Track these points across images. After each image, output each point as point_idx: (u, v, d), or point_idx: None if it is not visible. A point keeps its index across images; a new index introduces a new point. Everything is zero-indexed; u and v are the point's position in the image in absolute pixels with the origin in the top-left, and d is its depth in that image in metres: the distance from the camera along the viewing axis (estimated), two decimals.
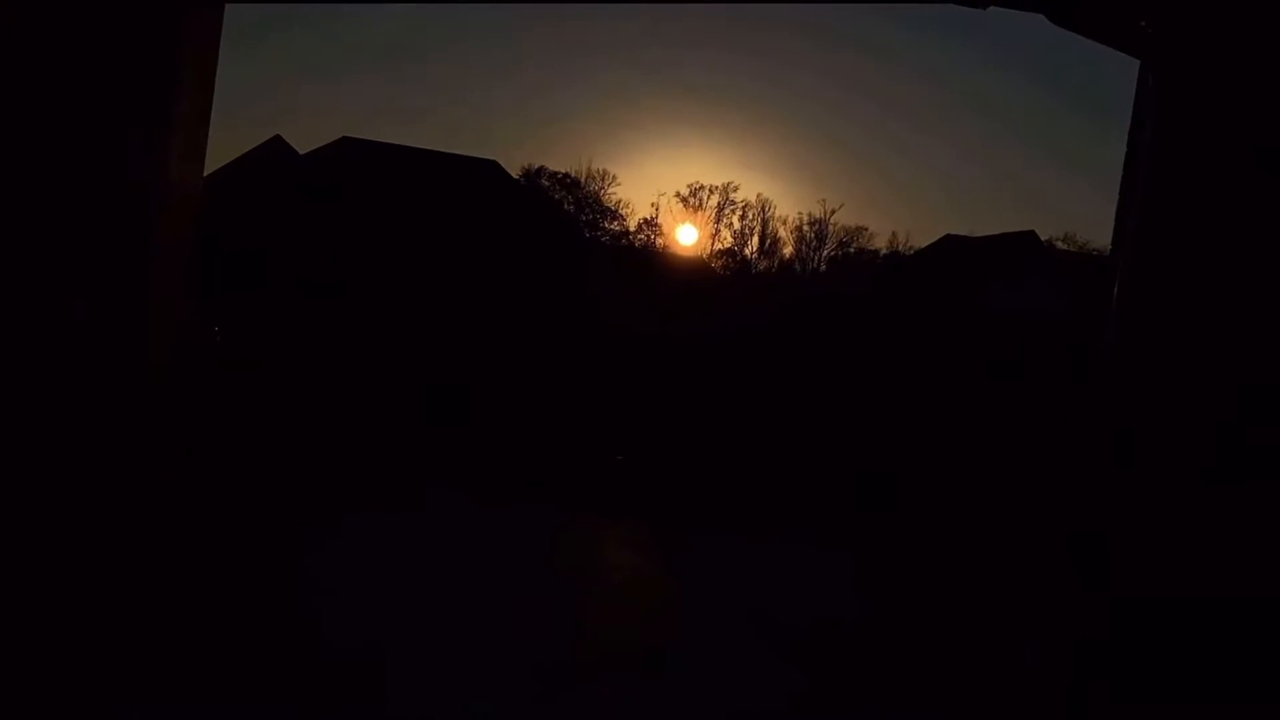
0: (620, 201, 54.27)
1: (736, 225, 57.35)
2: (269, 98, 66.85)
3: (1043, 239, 44.54)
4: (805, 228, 55.93)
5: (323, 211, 32.43)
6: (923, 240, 50.36)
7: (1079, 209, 74.49)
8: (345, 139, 38.70)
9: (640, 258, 47.74)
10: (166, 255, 2.94)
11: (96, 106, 2.69)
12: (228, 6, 3.38)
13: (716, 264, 54.66)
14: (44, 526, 2.66)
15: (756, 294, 39.69)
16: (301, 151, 38.88)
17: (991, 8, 5.68)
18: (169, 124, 2.86)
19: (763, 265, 56.14)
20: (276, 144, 38.81)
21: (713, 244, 57.06)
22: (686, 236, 56.96)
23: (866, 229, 55.52)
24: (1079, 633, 4.19)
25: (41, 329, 2.68)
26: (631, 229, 54.15)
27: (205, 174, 3.51)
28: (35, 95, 2.60)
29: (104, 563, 2.76)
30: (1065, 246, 46.33)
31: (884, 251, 52.84)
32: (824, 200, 67.46)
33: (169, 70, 2.84)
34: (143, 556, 2.89)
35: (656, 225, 55.51)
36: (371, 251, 30.61)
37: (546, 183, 50.55)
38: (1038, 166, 78.10)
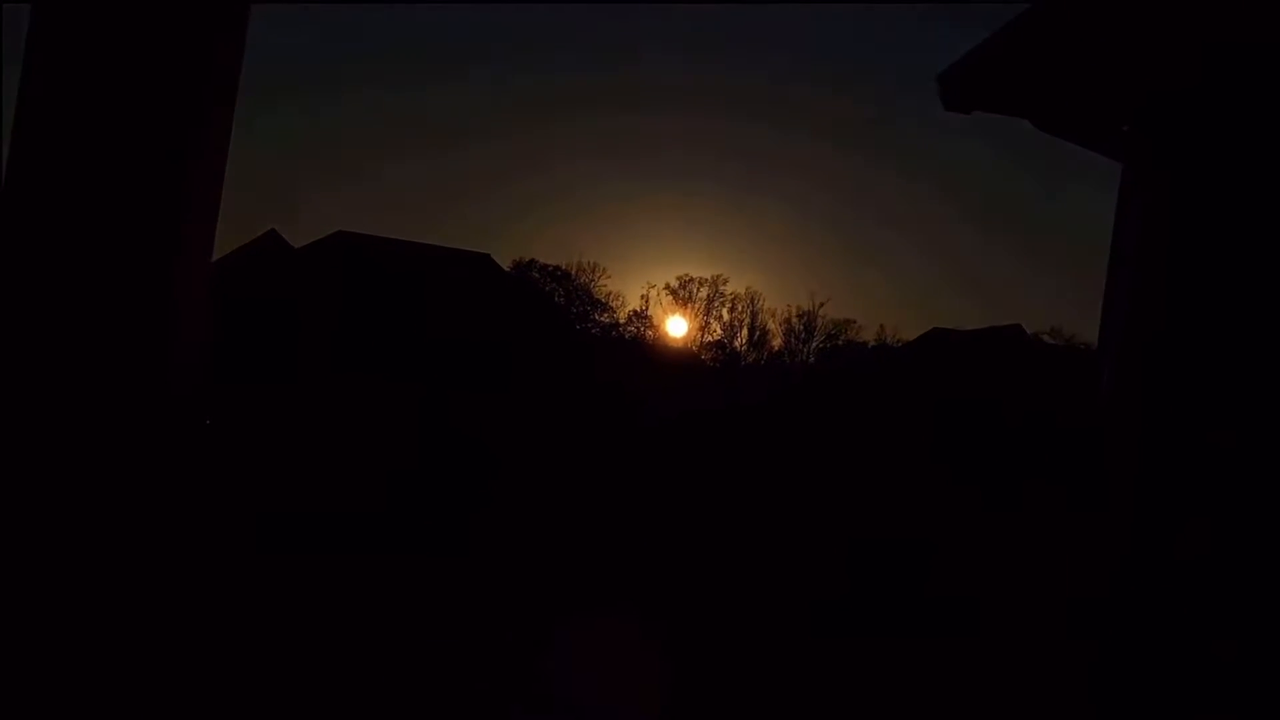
0: (611, 294, 54.76)
1: (726, 317, 57.81)
2: (264, 192, 67.60)
3: (1029, 332, 44.92)
4: (794, 320, 56.41)
5: (317, 304, 32.64)
6: (910, 333, 50.72)
7: (1066, 302, 75.16)
8: (340, 233, 39.06)
9: (631, 349, 48.02)
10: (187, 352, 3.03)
11: (133, 171, 2.82)
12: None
13: (706, 356, 54.95)
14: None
15: (746, 384, 39.87)
16: (296, 246, 39.22)
17: (976, 112, 5.92)
18: (186, 211, 2.97)
19: (752, 357, 56.47)
20: (271, 238, 39.15)
21: (702, 336, 57.45)
22: (676, 328, 57.36)
23: (855, 321, 55.93)
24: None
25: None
26: (622, 320, 54.58)
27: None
28: (66, 184, 2.74)
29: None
30: (1052, 340, 46.71)
31: (871, 344, 53.23)
32: (813, 293, 68.10)
33: (185, 158, 2.97)
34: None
35: (647, 317, 55.96)
36: (364, 343, 30.77)
37: (538, 275, 51.01)
38: (1024, 260, 79.03)
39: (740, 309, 57.62)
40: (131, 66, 2.93)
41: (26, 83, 2.90)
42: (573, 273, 52.97)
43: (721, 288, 57.40)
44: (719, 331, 57.70)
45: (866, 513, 16.52)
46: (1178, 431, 4.21)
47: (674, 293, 57.11)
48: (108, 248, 2.88)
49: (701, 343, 56.82)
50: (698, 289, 57.29)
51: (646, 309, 56.31)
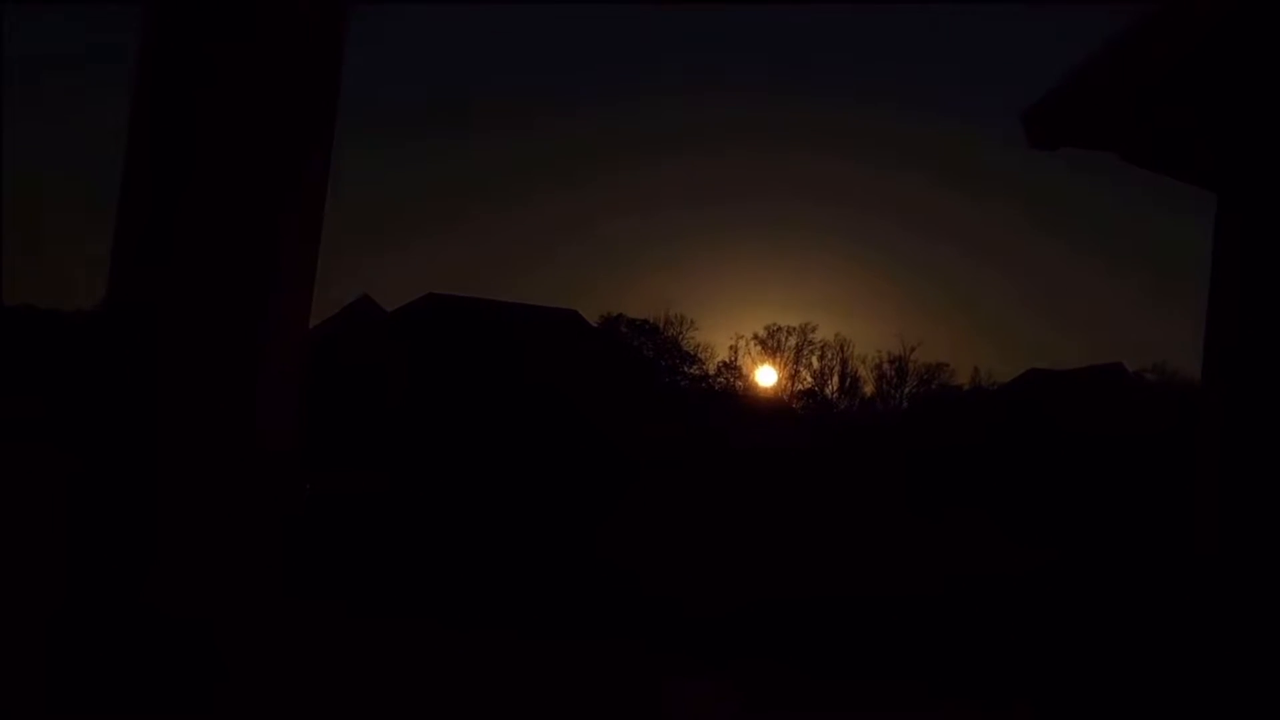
0: (699, 345, 54.78)
1: (816, 365, 57.43)
2: (356, 255, 69.11)
3: (1130, 370, 43.88)
4: (885, 365, 55.79)
5: (410, 366, 33.21)
6: (1006, 375, 49.81)
7: (1169, 339, 73.25)
8: (431, 295, 39.78)
9: (721, 400, 47.89)
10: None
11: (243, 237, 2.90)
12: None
13: (797, 404, 54.58)
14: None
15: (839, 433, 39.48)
16: (388, 309, 40.05)
17: (1064, 148, 5.83)
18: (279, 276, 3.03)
19: (844, 405, 55.93)
20: (364, 302, 40.04)
21: (792, 385, 57.11)
22: (766, 378, 57.12)
23: (948, 365, 55.11)
24: None
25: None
26: (711, 372, 54.53)
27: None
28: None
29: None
30: (1154, 378, 45.55)
31: (966, 387, 52.39)
32: (902, 337, 67.43)
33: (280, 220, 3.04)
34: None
35: (736, 368, 55.85)
36: (458, 404, 31.17)
37: (625, 330, 51.29)
38: (1125, 296, 77.34)
39: (830, 356, 57.24)
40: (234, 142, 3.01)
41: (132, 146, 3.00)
42: (660, 325, 53.16)
43: (810, 335, 57.13)
44: (809, 380, 57.34)
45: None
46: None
47: (762, 342, 57.00)
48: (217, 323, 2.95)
49: (792, 391, 56.50)
50: (786, 338, 57.10)
51: (735, 359, 56.24)
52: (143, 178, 2.98)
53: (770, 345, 57.05)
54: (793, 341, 57.11)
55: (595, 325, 46.15)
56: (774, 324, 57.31)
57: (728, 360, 55.71)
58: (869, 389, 56.59)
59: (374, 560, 14.55)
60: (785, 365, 57.40)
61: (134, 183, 3.00)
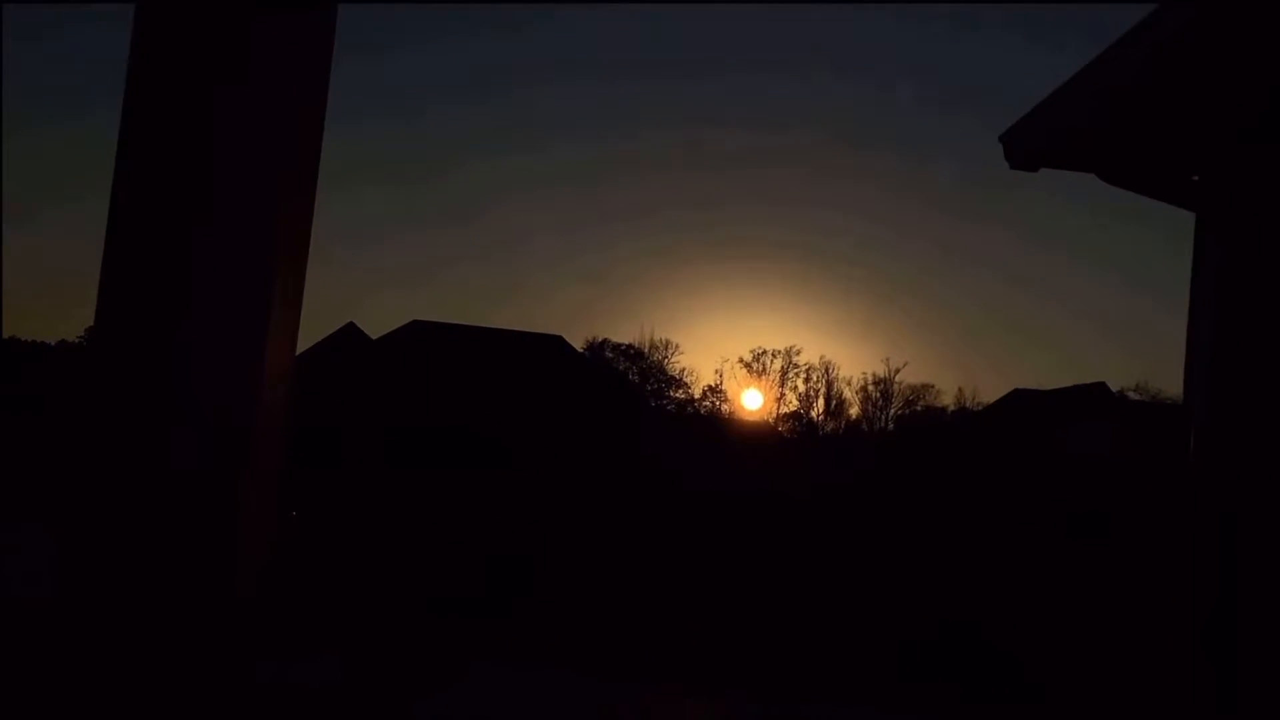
0: (684, 369, 54.87)
1: (801, 388, 57.54)
2: (340, 286, 69.06)
3: (1114, 389, 44.06)
4: (870, 388, 55.95)
5: (395, 394, 33.14)
6: (990, 396, 49.99)
7: (1152, 355, 73.72)
8: (415, 323, 39.75)
9: (707, 425, 47.92)
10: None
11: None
12: None
13: (783, 427, 54.64)
14: None
15: (825, 456, 39.49)
16: (373, 336, 39.98)
17: (1043, 169, 5.88)
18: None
19: (830, 427, 56.01)
20: (349, 331, 39.97)
21: (778, 408, 57.17)
22: (752, 401, 57.17)
23: (933, 386, 55.32)
24: None
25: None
26: (696, 396, 54.57)
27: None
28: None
29: None
30: (1138, 396, 45.78)
31: (951, 408, 52.55)
32: (888, 359, 67.52)
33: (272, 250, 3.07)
34: None
35: (721, 392, 55.91)
36: (443, 430, 31.09)
37: (610, 355, 51.33)
38: (1106, 315, 77.83)
39: (815, 379, 57.36)
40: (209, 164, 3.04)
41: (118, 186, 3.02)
42: (645, 350, 53.22)
43: (795, 358, 57.26)
44: (795, 403, 57.43)
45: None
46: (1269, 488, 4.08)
47: (747, 366, 57.08)
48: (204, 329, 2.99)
49: (777, 414, 56.57)
50: (771, 361, 57.21)
51: (720, 383, 56.30)
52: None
53: (755, 368, 57.19)
54: (778, 364, 57.27)
55: (580, 350, 46.17)
56: (759, 347, 57.47)
57: (713, 384, 55.79)
58: (854, 411, 56.73)
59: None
60: (771, 388, 57.53)
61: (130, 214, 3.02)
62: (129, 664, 2.83)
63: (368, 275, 73.58)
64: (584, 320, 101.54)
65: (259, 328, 3.00)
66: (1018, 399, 44.68)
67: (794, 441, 50.27)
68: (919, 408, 54.23)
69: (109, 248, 3.06)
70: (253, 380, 2.98)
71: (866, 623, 14.24)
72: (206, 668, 2.86)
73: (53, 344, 44.09)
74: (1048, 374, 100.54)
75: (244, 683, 2.97)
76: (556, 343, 41.70)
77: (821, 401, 57.31)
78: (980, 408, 49.12)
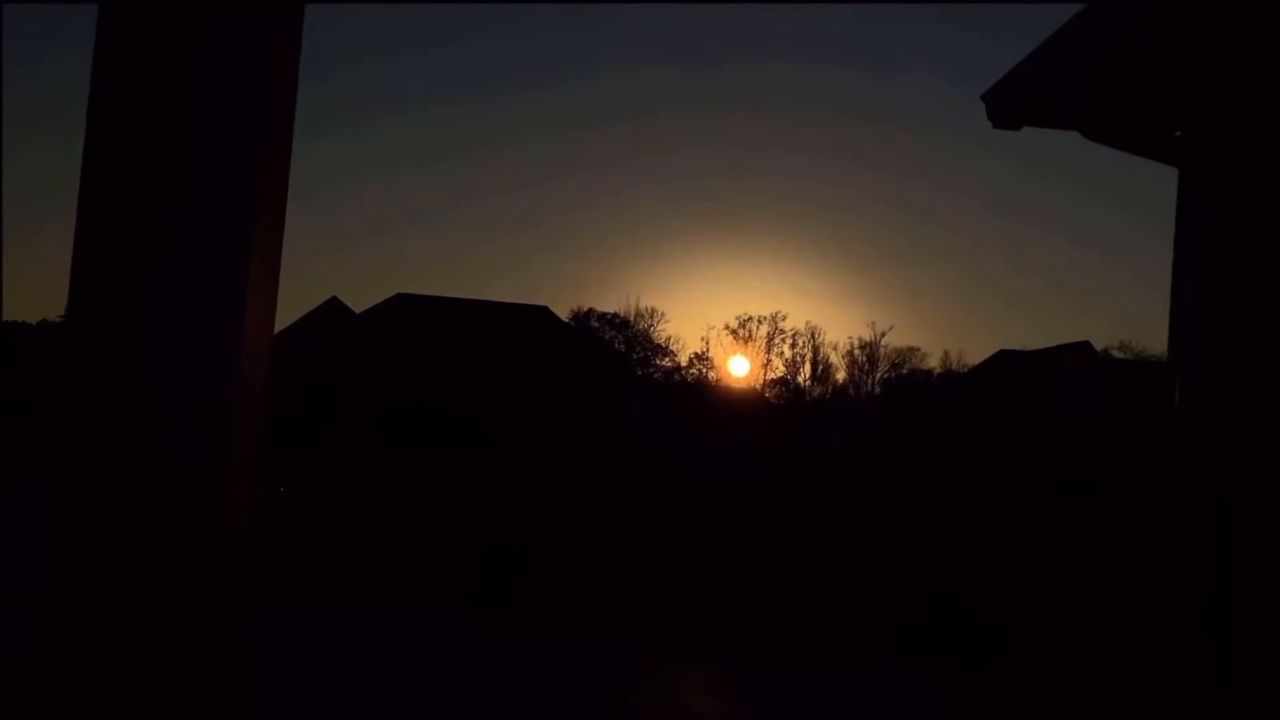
0: (670, 337, 54.82)
1: (787, 354, 57.62)
2: (323, 259, 68.79)
3: (1098, 348, 44.23)
4: (856, 352, 56.06)
5: (381, 367, 33.06)
6: (976, 357, 50.14)
7: (1135, 312, 73.99)
8: (400, 295, 39.63)
9: (694, 392, 47.97)
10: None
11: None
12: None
13: (770, 394, 54.74)
14: None
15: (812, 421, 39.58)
16: (358, 310, 39.85)
17: (1026, 128, 5.85)
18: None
19: (816, 392, 56.14)
20: (333, 305, 39.82)
21: (765, 374, 57.26)
22: (738, 368, 57.23)
23: (918, 349, 55.46)
24: None
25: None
26: (683, 364, 54.58)
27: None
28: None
29: None
30: (1122, 354, 45.97)
31: (937, 371, 52.71)
32: (874, 323, 67.23)
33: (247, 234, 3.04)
34: None
35: (708, 359, 55.93)
36: (429, 402, 31.05)
37: (596, 324, 51.25)
38: (1089, 274, 78.06)
39: (801, 344, 57.42)
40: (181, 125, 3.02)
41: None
42: (631, 319, 53.15)
43: (781, 324, 57.29)
44: (781, 368, 57.52)
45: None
46: (1257, 439, 4.08)
47: (734, 332, 57.09)
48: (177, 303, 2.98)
49: (765, 380, 56.67)
50: (757, 327, 57.23)
51: (707, 351, 56.31)
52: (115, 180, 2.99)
53: (741, 335, 57.19)
54: (764, 330, 57.28)
55: (566, 320, 46.10)
56: (745, 314, 57.46)
57: (700, 352, 55.79)
58: (841, 375, 56.87)
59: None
60: (758, 355, 57.57)
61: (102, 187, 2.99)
62: (108, 653, 2.82)
63: (342, 253, 73.24)
64: (569, 291, 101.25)
65: (238, 296, 2.97)
66: (1003, 359, 44.85)
67: (780, 407, 50.38)
68: (905, 370, 54.42)
69: (81, 221, 3.02)
70: (231, 350, 2.95)
71: (855, 590, 14.29)
72: (197, 661, 2.84)
73: (33, 324, 43.78)
74: (1033, 334, 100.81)
75: (242, 689, 2.95)
76: (542, 313, 41.62)
77: (808, 367, 57.44)
78: (966, 369, 49.30)
